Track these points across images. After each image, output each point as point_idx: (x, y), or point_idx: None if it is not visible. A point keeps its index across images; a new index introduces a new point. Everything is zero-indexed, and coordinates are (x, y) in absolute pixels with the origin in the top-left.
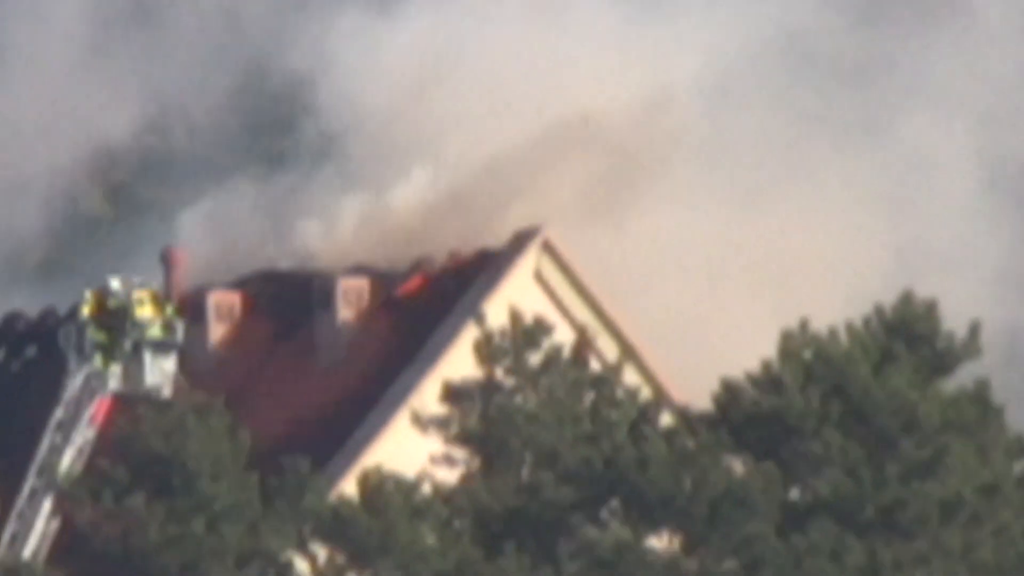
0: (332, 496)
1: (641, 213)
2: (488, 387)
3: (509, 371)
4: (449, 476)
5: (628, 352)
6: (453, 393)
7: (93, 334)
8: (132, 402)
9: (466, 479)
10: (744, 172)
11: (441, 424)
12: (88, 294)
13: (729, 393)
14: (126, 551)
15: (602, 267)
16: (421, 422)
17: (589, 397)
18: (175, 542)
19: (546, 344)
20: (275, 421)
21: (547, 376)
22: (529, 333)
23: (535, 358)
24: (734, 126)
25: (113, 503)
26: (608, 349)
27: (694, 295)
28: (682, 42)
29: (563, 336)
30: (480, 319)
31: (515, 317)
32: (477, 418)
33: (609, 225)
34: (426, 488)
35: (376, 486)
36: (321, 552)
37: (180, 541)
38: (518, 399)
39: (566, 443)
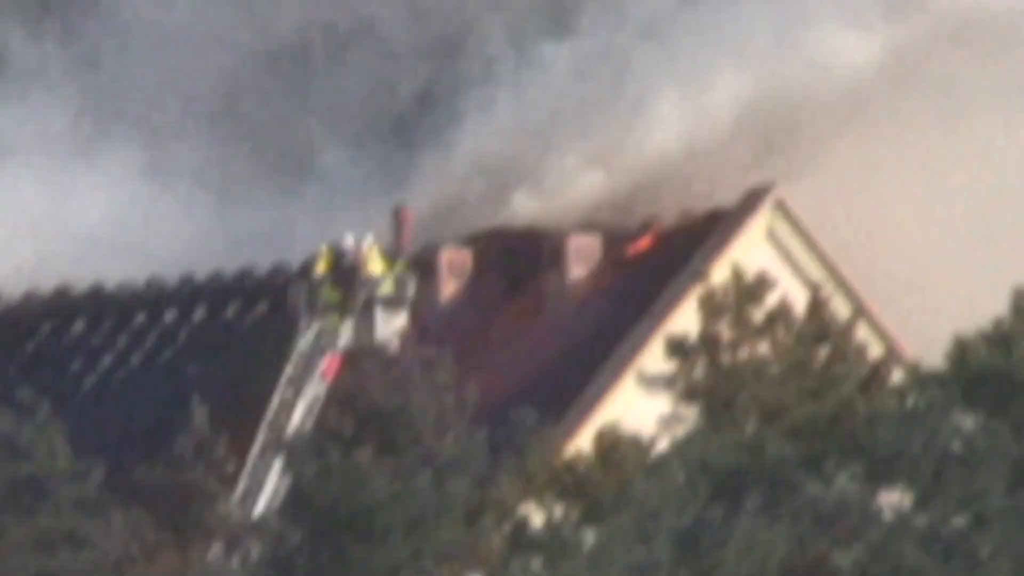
0: (565, 452)
1: (872, 169)
2: (711, 343)
3: (732, 326)
4: (677, 434)
5: (860, 310)
6: (676, 348)
7: (326, 292)
8: (360, 358)
9: (692, 436)
10: (978, 123)
11: (668, 382)
12: (322, 251)
13: (960, 350)
14: (353, 507)
15: (834, 225)
16: (648, 380)
17: (818, 353)
18: (402, 496)
19: (770, 299)
20: (504, 378)
21: (770, 332)
22: (751, 288)
23: (759, 313)
24: (966, 78)
25: (340, 459)
26: (841, 309)
27: (927, 252)
28: None
29: (796, 295)
30: (703, 276)
31: (737, 273)
32: (700, 374)
33: (841, 182)
34: (659, 445)
35: (611, 443)
36: (554, 508)
37: (407, 495)
38: (742, 354)
39: (791, 399)
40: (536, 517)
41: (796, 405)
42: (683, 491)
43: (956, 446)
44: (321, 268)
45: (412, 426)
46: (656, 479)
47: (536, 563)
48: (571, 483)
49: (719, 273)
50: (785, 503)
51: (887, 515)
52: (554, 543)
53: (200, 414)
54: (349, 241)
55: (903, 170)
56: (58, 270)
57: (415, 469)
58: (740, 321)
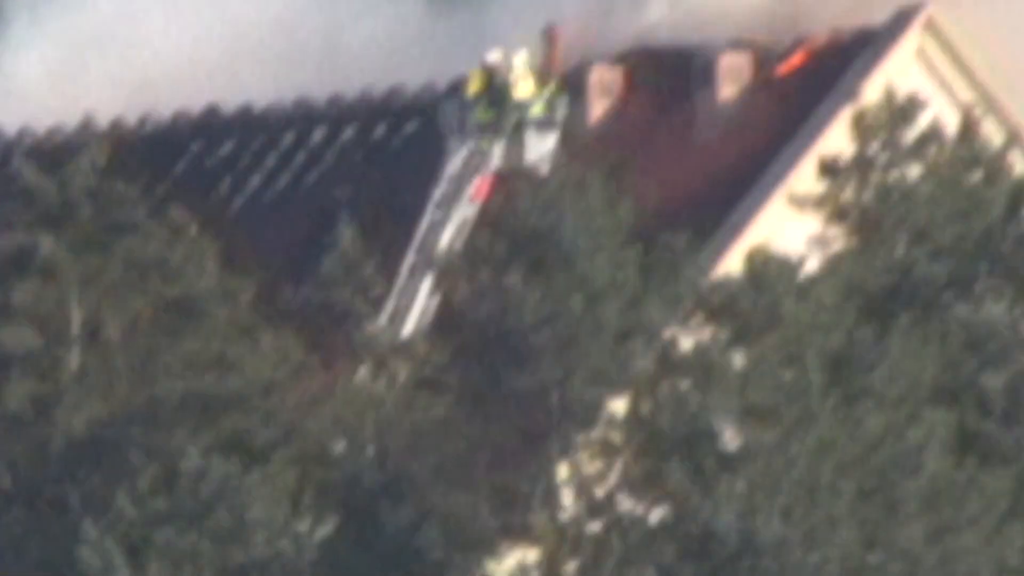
0: (714, 274)
1: None
2: (863, 163)
3: (884, 147)
4: (827, 255)
5: (1013, 134)
6: (827, 169)
7: (478, 112)
8: (511, 179)
9: (840, 258)
10: None
11: (819, 203)
12: (474, 72)
13: None
14: (503, 328)
15: (986, 46)
16: (799, 201)
17: (970, 176)
18: (553, 318)
19: (921, 120)
20: (654, 198)
21: (922, 152)
22: (903, 109)
23: (910, 134)
24: None
25: (490, 280)
26: (992, 131)
27: None
28: None
29: (947, 117)
30: (854, 96)
31: (890, 93)
32: (852, 195)
33: (994, 3)
34: (810, 265)
35: (761, 264)
36: (704, 329)
37: (558, 317)
38: (893, 175)
39: (939, 220)
40: (686, 340)
41: (945, 226)
42: (832, 312)
43: None
44: (473, 88)
45: (563, 248)
46: (805, 300)
47: (685, 385)
48: (720, 305)
49: (870, 94)
50: (934, 324)
51: None
52: (702, 365)
53: (348, 234)
54: (496, 56)
55: None
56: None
57: (566, 291)
58: (892, 142)
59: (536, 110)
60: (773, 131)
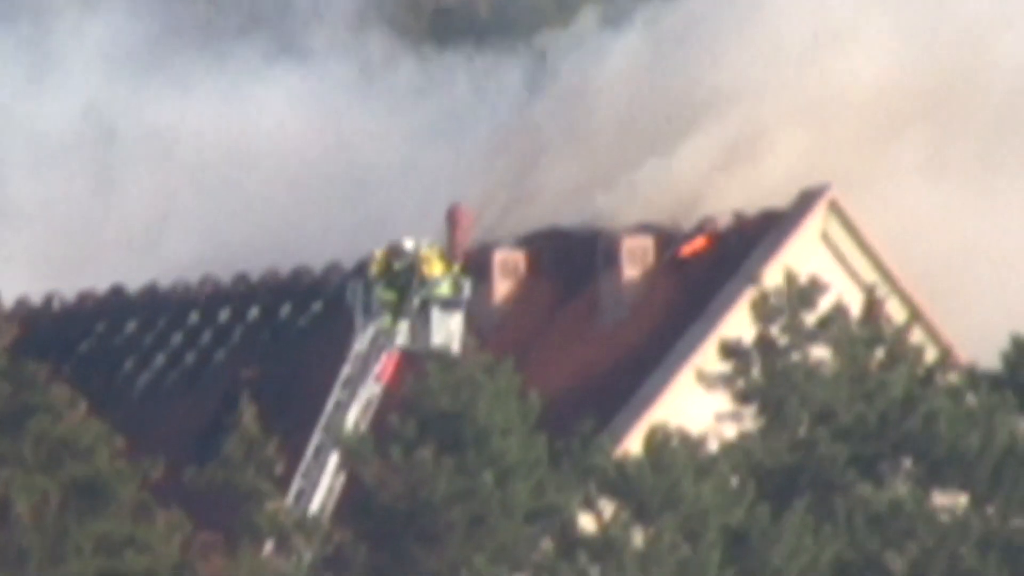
0: (617, 453)
1: (920, 175)
2: (764, 345)
3: (785, 330)
4: (734, 434)
5: (915, 313)
6: (730, 351)
7: (381, 293)
8: (419, 359)
9: (743, 436)
10: None
11: (726, 382)
12: (377, 253)
13: (1018, 352)
14: (414, 506)
15: (887, 228)
16: (706, 380)
17: (873, 356)
18: (464, 496)
19: (822, 303)
20: (559, 379)
21: (823, 335)
22: (804, 292)
23: (811, 318)
24: None
25: (402, 458)
26: (896, 311)
27: (981, 254)
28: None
29: (851, 297)
30: (755, 279)
31: (790, 276)
32: (755, 376)
33: (893, 185)
34: (712, 445)
35: (661, 443)
36: (607, 508)
37: (470, 495)
38: (795, 357)
39: (842, 401)
40: (586, 518)
41: (849, 406)
42: (732, 491)
43: (1011, 447)
44: (376, 269)
45: (476, 427)
46: (705, 479)
47: (585, 562)
48: (621, 484)
49: (774, 275)
50: (837, 503)
51: (942, 517)
52: (603, 544)
53: (249, 414)
54: (408, 243)
55: (958, 172)
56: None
57: (478, 469)
58: (793, 324)
59: (442, 291)
60: (678, 311)
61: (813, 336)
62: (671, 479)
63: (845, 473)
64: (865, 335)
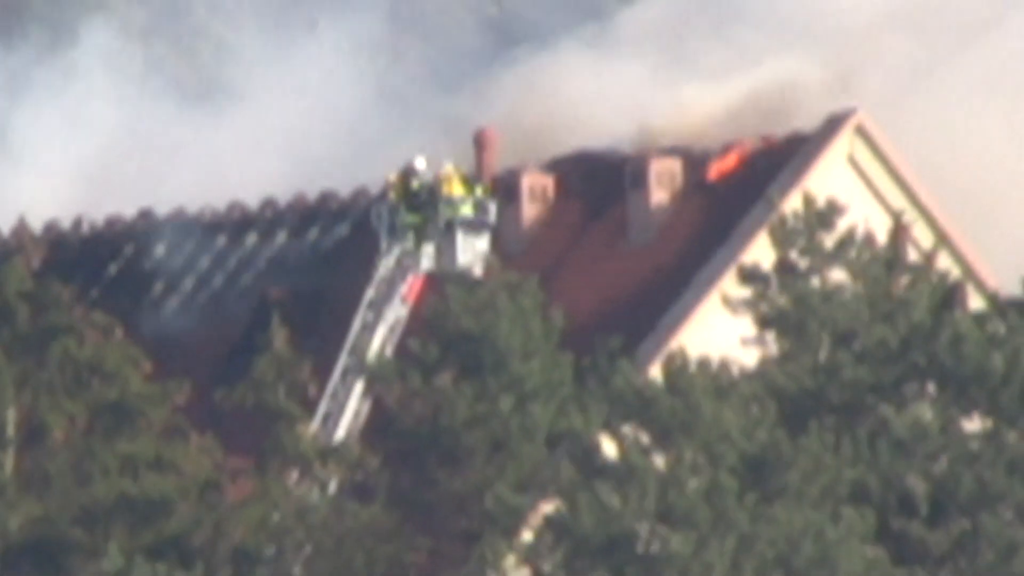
0: (643, 378)
1: (952, 97)
2: (783, 269)
3: (803, 253)
4: (761, 358)
5: (942, 238)
6: (749, 275)
7: (405, 216)
8: (443, 281)
9: (764, 361)
10: None
11: (751, 306)
12: (391, 177)
13: None
14: (435, 430)
15: (916, 151)
16: (731, 304)
17: (894, 279)
18: (484, 421)
19: (845, 224)
20: (586, 301)
21: (842, 257)
22: (822, 214)
23: (830, 240)
24: None
25: (422, 382)
26: (922, 235)
27: (1009, 178)
28: None
29: (878, 222)
30: (773, 202)
31: (808, 199)
32: (774, 299)
33: (922, 108)
34: (734, 370)
35: (680, 367)
36: (628, 432)
37: (489, 420)
38: (814, 281)
39: (863, 323)
40: (607, 444)
41: (869, 329)
42: (751, 415)
43: None
44: (394, 193)
45: (496, 350)
46: (724, 404)
47: (605, 489)
48: (640, 408)
49: (799, 200)
50: (860, 426)
51: (966, 440)
52: (624, 469)
53: (280, 335)
54: (421, 163)
55: (988, 96)
56: None
57: (498, 393)
58: (811, 247)
59: (465, 211)
60: (705, 234)
61: (831, 259)
62: (690, 403)
63: (866, 397)
64: (885, 257)
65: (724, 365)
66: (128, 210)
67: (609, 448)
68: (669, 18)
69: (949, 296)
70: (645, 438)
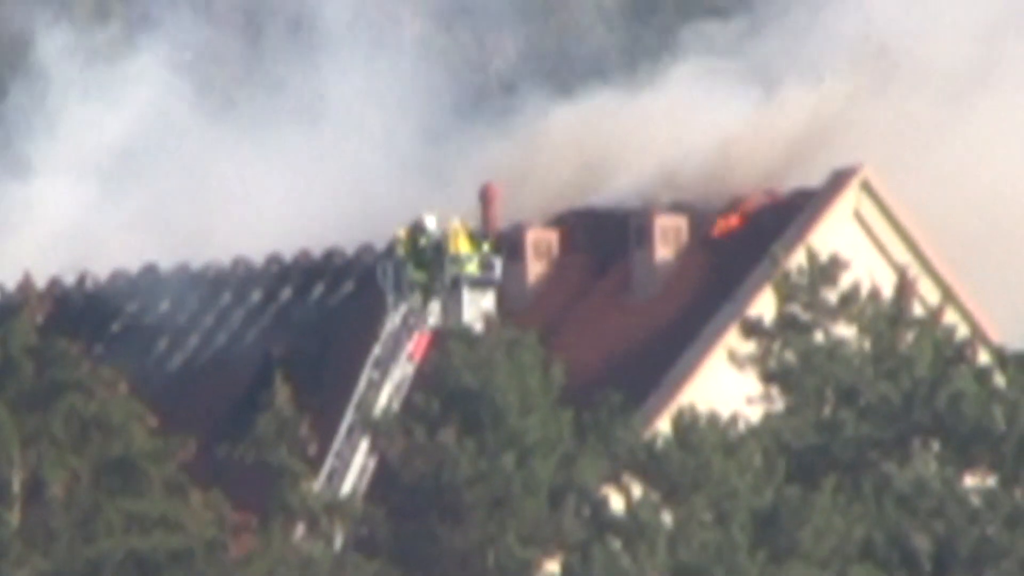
0: (648, 433)
1: (958, 151)
2: (785, 324)
3: (806, 308)
4: (765, 413)
5: (947, 293)
6: (751, 329)
7: (411, 272)
8: (445, 337)
9: (770, 417)
10: None
11: (756, 362)
12: (400, 233)
13: None
14: (438, 486)
15: (920, 206)
16: (737, 360)
17: (898, 335)
18: (486, 476)
19: (849, 280)
20: (591, 358)
21: (845, 312)
22: (825, 269)
23: (833, 296)
24: None
25: (425, 437)
26: (928, 291)
27: (1013, 232)
28: None
29: (883, 277)
30: (775, 259)
31: (811, 254)
32: (778, 355)
33: (927, 164)
34: (740, 426)
35: (690, 423)
36: (635, 488)
37: (491, 475)
38: (817, 336)
39: (867, 380)
40: (616, 500)
41: (872, 386)
42: (760, 471)
43: None
44: (402, 249)
45: (495, 406)
46: (733, 460)
47: (615, 545)
48: (649, 463)
49: (798, 256)
50: (865, 483)
51: (969, 497)
52: (633, 525)
53: (283, 394)
54: (431, 221)
55: (994, 151)
56: None
57: (499, 449)
58: (814, 302)
59: (471, 268)
60: (710, 290)
61: (835, 313)
62: (700, 460)
63: (870, 453)
64: (890, 313)
65: (732, 420)
66: (132, 266)
67: (615, 503)
68: (684, 73)
69: (959, 352)
70: (654, 494)
